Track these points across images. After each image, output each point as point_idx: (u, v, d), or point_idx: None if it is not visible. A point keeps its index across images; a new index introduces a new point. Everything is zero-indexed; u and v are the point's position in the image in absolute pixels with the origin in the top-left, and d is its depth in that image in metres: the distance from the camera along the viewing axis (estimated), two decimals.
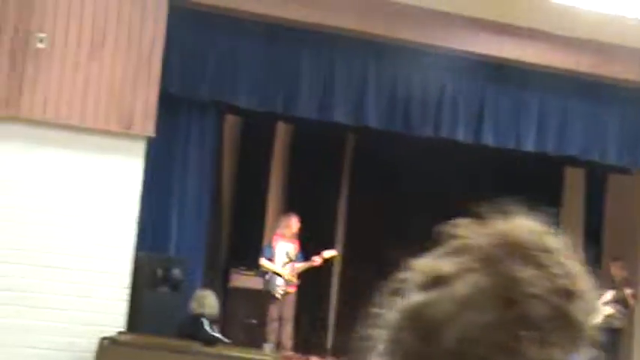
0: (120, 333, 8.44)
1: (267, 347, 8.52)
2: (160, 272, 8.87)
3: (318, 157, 13.72)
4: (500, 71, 10.35)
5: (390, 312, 1.19)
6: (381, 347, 1.19)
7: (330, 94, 9.90)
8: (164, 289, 8.94)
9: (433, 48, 9.99)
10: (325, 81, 9.92)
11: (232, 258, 12.28)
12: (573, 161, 12.91)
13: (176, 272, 8.91)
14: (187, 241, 9.70)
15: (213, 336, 8.49)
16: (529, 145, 10.49)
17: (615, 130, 10.72)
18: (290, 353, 11.11)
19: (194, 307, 8.81)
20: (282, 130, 13.79)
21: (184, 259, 9.42)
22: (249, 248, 13.05)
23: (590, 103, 10.69)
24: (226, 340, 8.70)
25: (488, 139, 10.34)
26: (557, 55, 10.16)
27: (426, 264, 1.30)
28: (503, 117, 10.39)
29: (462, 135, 10.25)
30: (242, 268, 12.24)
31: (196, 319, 8.66)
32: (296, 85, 9.82)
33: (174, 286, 8.92)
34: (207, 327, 8.56)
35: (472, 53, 10.06)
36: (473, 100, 10.34)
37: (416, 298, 1.17)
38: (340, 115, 9.96)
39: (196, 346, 8.07)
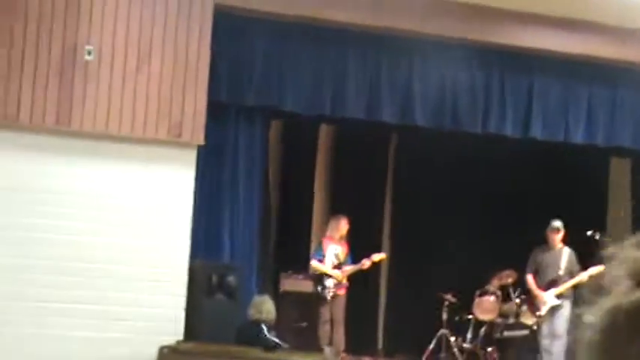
0: (179, 341, 8.45)
1: (328, 350, 8.50)
2: (215, 279, 8.88)
3: (362, 159, 13.69)
4: (546, 63, 10.27)
5: (596, 309, 1.13)
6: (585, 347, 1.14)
7: (377, 93, 9.87)
8: (220, 297, 8.96)
9: (478, 43, 9.94)
10: (372, 81, 9.90)
11: (281, 262, 12.26)
12: (619, 151, 12.84)
13: (231, 279, 8.92)
14: (240, 248, 9.72)
15: (273, 341, 8.48)
16: (578, 137, 10.40)
17: None
18: (344, 355, 11.15)
19: (252, 313, 8.82)
20: (324, 133, 13.78)
21: (238, 265, 9.44)
22: (297, 252, 13.08)
23: (638, 92, 10.60)
24: (285, 345, 8.69)
25: (537, 133, 10.26)
26: (604, 45, 10.08)
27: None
28: (552, 109, 10.31)
29: (510, 129, 10.18)
30: (291, 271, 12.23)
31: (255, 325, 8.66)
32: (342, 86, 9.82)
33: (230, 293, 8.93)
34: (266, 333, 8.55)
35: (519, 47, 10.01)
36: (520, 94, 10.27)
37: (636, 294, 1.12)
38: (387, 115, 9.95)
39: (256, 352, 8.07)
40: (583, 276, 11.36)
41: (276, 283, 11.73)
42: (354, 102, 9.83)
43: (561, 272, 11.45)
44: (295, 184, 13.18)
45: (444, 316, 12.81)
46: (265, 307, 8.81)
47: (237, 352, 8.12)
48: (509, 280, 12.88)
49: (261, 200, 10.28)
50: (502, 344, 12.34)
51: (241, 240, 9.74)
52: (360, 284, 12.05)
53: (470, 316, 12.90)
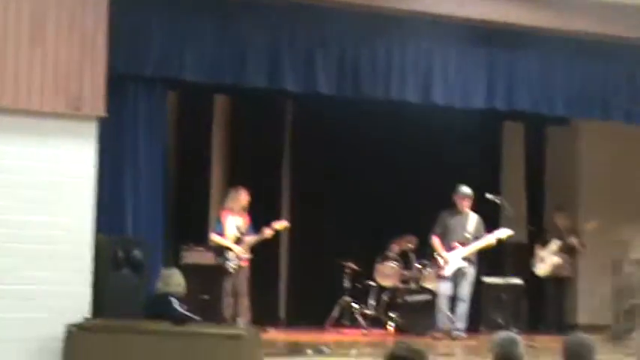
0: (86, 319, 8.25)
1: (241, 322, 8.42)
2: (120, 254, 8.69)
3: (258, 128, 13.60)
4: (445, 28, 10.32)
5: None
6: None
7: (279, 61, 9.79)
8: (126, 271, 8.78)
9: (379, 9, 9.92)
10: (273, 48, 9.81)
11: (181, 235, 12.09)
12: (511, 116, 13.04)
13: (136, 253, 8.76)
14: (144, 221, 9.54)
15: (184, 314, 8.34)
16: (478, 102, 10.50)
17: (561, 83, 10.78)
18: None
19: (160, 286, 8.67)
20: (220, 103, 13.64)
21: (143, 239, 9.25)
22: (196, 224, 12.95)
23: (537, 56, 10.74)
24: (197, 317, 8.57)
25: (438, 98, 10.32)
26: (502, 10, 10.18)
27: None
28: (452, 75, 10.37)
29: (411, 96, 10.21)
30: (192, 244, 12.09)
31: (163, 298, 8.52)
32: (243, 55, 9.69)
33: (136, 267, 8.76)
34: (176, 306, 8.42)
35: (418, 12, 10.03)
36: (421, 60, 10.30)
37: None
38: (289, 83, 9.86)
39: (166, 325, 7.92)
40: (490, 239, 11.51)
41: (176, 257, 11.54)
42: (255, 70, 9.71)
43: (468, 235, 11.61)
44: (192, 156, 12.99)
45: (346, 283, 12.88)
46: (174, 279, 8.68)
47: (146, 326, 7.97)
48: (410, 246, 13.03)
49: (164, 173, 10.09)
50: (404, 309, 12.45)
51: (144, 213, 9.55)
52: (260, 255, 11.97)
53: (371, 283, 12.99)
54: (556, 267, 13.05)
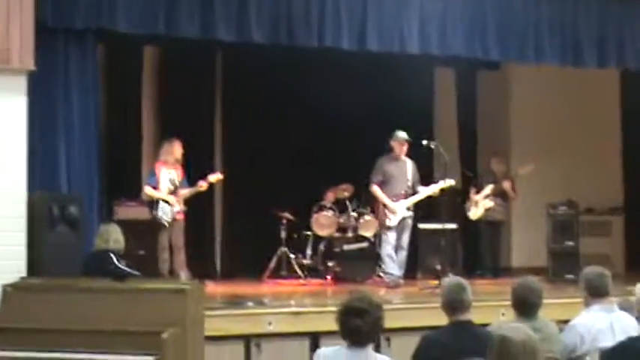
0: (22, 278, 8.04)
1: (183, 275, 8.29)
2: (56, 211, 8.47)
3: (188, 80, 13.42)
4: None
5: None
6: None
7: (211, 10, 9.58)
8: (62, 228, 8.57)
9: None
10: None
11: (113, 190, 11.86)
12: (444, 62, 13.03)
13: (72, 209, 8.55)
14: (78, 177, 9.33)
15: (124, 270, 8.18)
16: (413, 48, 10.42)
17: (495, 25, 10.75)
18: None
19: (98, 242, 8.48)
20: (149, 55, 13.40)
21: (78, 195, 9.04)
22: (128, 178, 12.76)
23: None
24: (137, 273, 8.42)
25: (373, 45, 10.21)
26: None
27: None
28: (386, 21, 10.27)
29: (346, 43, 10.09)
30: (124, 199, 11.91)
31: (102, 254, 8.33)
32: (175, 4, 9.45)
33: (72, 224, 8.56)
34: (115, 262, 8.25)
35: None
36: (355, 7, 10.17)
37: None
38: (222, 33, 9.67)
39: (106, 283, 7.73)
40: (434, 189, 11.47)
41: (109, 212, 11.35)
42: (187, 20, 9.50)
43: (409, 184, 11.52)
44: (122, 110, 12.72)
45: (283, 234, 12.83)
46: (112, 235, 8.48)
47: (85, 284, 7.75)
48: (346, 194, 12.98)
49: (97, 126, 9.86)
50: (342, 257, 12.43)
51: (79, 169, 9.34)
52: (195, 208, 11.83)
53: (308, 233, 12.95)
54: (489, 211, 13.12)
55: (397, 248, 11.46)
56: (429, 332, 6.71)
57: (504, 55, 11.00)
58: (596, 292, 6.45)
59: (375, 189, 11.54)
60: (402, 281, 11.47)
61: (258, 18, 9.74)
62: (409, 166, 11.59)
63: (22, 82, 8.45)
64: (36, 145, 8.74)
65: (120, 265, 8.29)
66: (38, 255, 8.37)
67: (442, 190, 11.69)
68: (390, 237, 11.45)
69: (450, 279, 6.36)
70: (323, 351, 5.24)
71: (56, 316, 7.50)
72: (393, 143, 11.61)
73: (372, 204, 12.07)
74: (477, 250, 13.52)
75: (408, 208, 11.45)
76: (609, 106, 14.24)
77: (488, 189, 13.05)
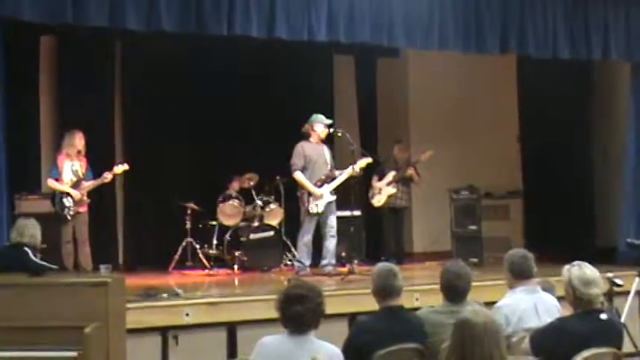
0: None
1: (103, 269, 8.14)
2: None
3: (87, 69, 13.18)
4: None
5: None
6: None
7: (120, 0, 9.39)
8: None
9: None
10: None
11: (13, 183, 11.53)
12: (342, 49, 13.08)
13: None
14: None
15: (41, 265, 8.00)
16: (321, 35, 10.42)
17: (401, 13, 10.82)
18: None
19: (14, 236, 8.27)
20: (45, 44, 13.11)
21: None
22: (27, 171, 12.48)
23: None
24: (54, 266, 8.24)
25: (282, 33, 10.18)
26: None
27: None
28: (295, 8, 10.25)
29: (255, 31, 10.03)
30: (25, 192, 11.64)
31: (18, 248, 8.13)
32: None
33: None
34: (32, 256, 8.05)
35: None
36: None
37: None
38: (132, 22, 9.47)
39: (22, 278, 7.54)
40: (354, 169, 11.42)
41: (10, 206, 11.05)
42: (96, 9, 9.26)
43: (329, 167, 11.42)
44: (19, 100, 12.38)
45: (188, 224, 12.73)
46: (28, 230, 8.29)
47: (2, 280, 7.55)
48: (251, 183, 12.95)
49: (6, 119, 9.59)
50: (248, 247, 12.40)
51: None
52: (95, 199, 11.64)
53: (214, 222, 12.88)
54: (392, 197, 13.24)
55: (326, 236, 11.30)
56: (361, 318, 6.77)
57: (410, 42, 11.05)
58: (519, 275, 6.58)
59: (299, 175, 11.31)
60: (310, 271, 11.32)
61: (168, 6, 9.56)
62: (326, 150, 11.50)
63: None
64: None
65: (36, 260, 8.10)
66: None
67: (361, 170, 11.69)
68: (312, 225, 11.31)
69: (381, 265, 6.39)
70: (266, 339, 5.22)
71: None
72: (314, 127, 11.45)
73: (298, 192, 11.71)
74: (381, 237, 13.63)
75: (332, 192, 11.34)
76: (507, 91, 14.53)
77: (391, 176, 13.16)
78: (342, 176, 11.38)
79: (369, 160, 11.71)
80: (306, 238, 11.34)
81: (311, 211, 11.22)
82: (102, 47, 13.17)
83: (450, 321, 5.58)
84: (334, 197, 11.39)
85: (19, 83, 11.85)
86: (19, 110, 11.77)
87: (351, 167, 11.38)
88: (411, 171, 13.17)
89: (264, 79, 13.62)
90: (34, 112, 12.85)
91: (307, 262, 11.29)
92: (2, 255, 8.35)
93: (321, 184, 11.30)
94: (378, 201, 13.20)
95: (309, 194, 11.25)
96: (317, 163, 11.36)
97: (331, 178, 11.37)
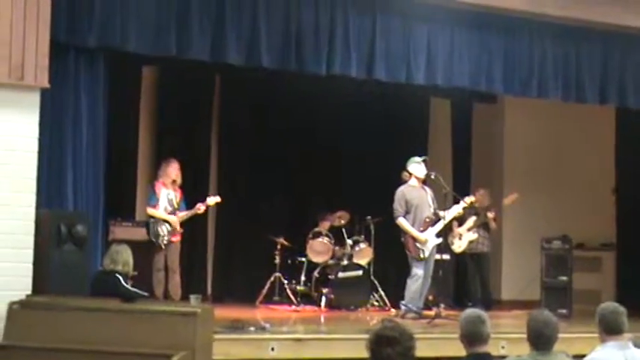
0: (28, 296, 7.98)
1: (193, 299, 8.25)
2: (63, 229, 8.39)
3: (186, 101, 13.44)
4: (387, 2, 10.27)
5: None
6: None
7: (222, 34, 9.58)
8: (69, 247, 8.45)
9: None
10: (216, 21, 9.59)
11: (109, 209, 11.77)
12: (439, 91, 13.09)
13: (80, 228, 8.43)
14: (84, 195, 9.25)
15: (133, 291, 8.14)
16: (419, 78, 10.47)
17: (500, 60, 10.83)
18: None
19: (107, 263, 8.44)
20: (147, 75, 13.39)
21: (85, 214, 8.97)
22: (123, 198, 12.70)
23: (476, 33, 10.76)
24: (145, 294, 8.38)
25: (381, 75, 10.26)
26: None
27: None
28: (394, 50, 10.33)
29: (354, 71, 10.13)
30: (120, 219, 11.85)
31: (110, 275, 8.29)
32: (187, 27, 9.45)
33: (79, 242, 8.45)
34: (123, 282, 8.21)
35: None
36: (363, 35, 10.22)
37: None
38: (233, 56, 9.66)
39: (114, 303, 7.70)
40: (458, 208, 11.37)
41: (105, 231, 11.27)
42: (198, 43, 9.48)
43: (432, 210, 11.32)
44: (120, 129, 12.64)
45: (277, 259, 12.82)
46: (122, 257, 8.45)
47: (94, 304, 7.71)
48: (342, 222, 13.00)
49: (105, 144, 9.81)
50: (336, 285, 12.42)
51: (85, 187, 9.26)
52: (188, 229, 11.81)
53: (302, 259, 12.95)
54: (473, 243, 13.15)
55: (423, 279, 11.18)
56: None
57: (508, 89, 11.04)
58: (610, 329, 6.46)
59: (402, 221, 11.13)
60: (420, 316, 11.08)
61: (269, 43, 9.74)
62: (428, 191, 11.39)
63: (35, 99, 8.37)
64: (44, 162, 8.65)
65: (128, 286, 8.25)
66: (44, 273, 8.26)
67: (464, 210, 11.63)
68: (420, 270, 11.12)
69: (469, 310, 6.34)
70: None
71: (63, 335, 7.47)
72: (410, 170, 11.36)
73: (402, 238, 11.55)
74: (466, 282, 13.52)
75: (437, 235, 11.25)
76: (604, 142, 14.35)
77: (472, 221, 13.08)
78: (448, 217, 11.24)
79: (472, 199, 11.65)
80: (416, 284, 11.12)
81: (420, 256, 11.06)
82: (202, 79, 13.38)
83: None
84: (439, 240, 11.26)
85: (121, 111, 12.12)
86: (119, 137, 12.03)
87: (454, 208, 11.29)
88: (490, 215, 13.06)
89: (361, 116, 13.67)
90: (134, 140, 13.09)
91: (415, 308, 11.08)
92: (96, 280, 8.51)
93: (425, 227, 11.15)
94: (458, 247, 13.10)
95: (414, 239, 11.10)
96: (419, 206, 11.21)
97: (435, 221, 11.21)
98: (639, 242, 13.56)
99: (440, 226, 11.21)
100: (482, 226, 13.16)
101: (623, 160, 14.24)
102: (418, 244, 11.07)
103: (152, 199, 11.39)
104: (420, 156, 11.47)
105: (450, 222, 12.27)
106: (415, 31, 10.48)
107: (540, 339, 6.15)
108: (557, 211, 14.03)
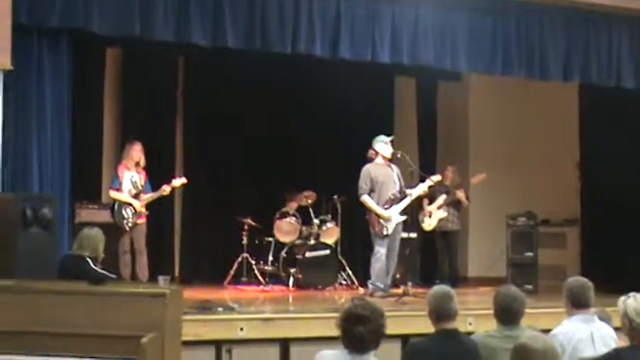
0: None
1: (162, 280, 8.21)
2: (29, 212, 8.32)
3: (150, 82, 13.36)
4: None
5: None
6: None
7: (187, 14, 9.55)
8: (35, 230, 8.40)
9: None
10: (181, 1, 9.54)
11: (75, 192, 11.69)
12: (404, 70, 13.12)
13: (46, 211, 8.38)
14: (50, 177, 9.21)
15: (101, 273, 8.10)
16: (384, 57, 10.49)
17: (465, 38, 10.87)
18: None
19: (75, 247, 8.40)
20: (111, 56, 13.31)
21: (52, 196, 8.91)
22: (89, 181, 12.63)
23: (441, 11, 10.78)
24: (114, 276, 8.35)
25: (346, 54, 10.26)
26: None
27: None
28: (358, 29, 10.33)
29: (319, 50, 10.13)
30: (86, 202, 11.79)
31: (78, 258, 8.25)
32: (151, 7, 9.40)
33: (46, 225, 8.40)
34: (92, 265, 8.17)
35: None
36: (328, 14, 10.22)
37: None
38: (198, 37, 9.63)
39: (83, 286, 7.65)
40: (423, 187, 11.37)
41: (71, 214, 11.21)
42: (163, 23, 9.44)
43: (397, 188, 11.29)
44: (84, 110, 12.54)
45: (245, 240, 12.81)
46: (91, 243, 8.41)
47: (62, 287, 7.64)
48: (309, 201, 13.01)
49: (70, 126, 9.75)
50: (304, 265, 12.44)
51: (50, 169, 9.21)
52: (154, 211, 11.77)
53: (270, 239, 12.95)
54: (443, 221, 13.22)
55: (388, 257, 11.12)
56: (415, 340, 6.77)
57: (473, 67, 11.08)
58: (578, 303, 6.53)
59: (366, 198, 11.10)
60: (388, 293, 11.03)
61: (234, 23, 9.72)
62: (394, 170, 11.38)
63: None
64: (9, 145, 8.59)
65: (97, 268, 8.22)
66: (11, 256, 8.20)
67: (430, 188, 11.66)
68: (383, 248, 11.07)
69: (437, 287, 6.38)
70: (325, 354, 5.24)
71: (32, 318, 7.40)
72: (376, 148, 11.29)
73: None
74: (436, 260, 13.59)
75: (402, 213, 11.23)
76: (567, 118, 14.41)
77: (441, 199, 13.14)
78: (413, 195, 11.21)
79: (438, 178, 11.67)
80: (380, 261, 11.09)
81: (382, 233, 11.04)
82: (166, 60, 13.31)
83: (505, 345, 5.59)
84: (404, 217, 11.22)
85: (84, 92, 12.02)
86: (83, 119, 11.92)
87: (419, 186, 11.29)
88: (460, 194, 13.14)
89: (324, 97, 13.63)
90: (98, 122, 13.02)
91: (382, 285, 11.07)
92: (64, 263, 8.46)
93: (389, 205, 11.15)
94: (428, 225, 13.17)
95: (378, 217, 11.08)
96: (384, 184, 11.16)
97: (400, 199, 11.20)
98: (603, 217, 13.63)
99: (405, 204, 11.19)
100: (453, 204, 13.24)
101: (587, 136, 14.31)
102: (382, 222, 11.04)
103: (115, 182, 11.33)
104: (387, 135, 11.44)
105: (420, 200, 12.36)
106: (380, 10, 10.50)
107: (507, 314, 6.22)
108: (522, 187, 14.14)
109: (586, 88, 13.10)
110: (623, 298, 5.84)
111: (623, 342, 5.99)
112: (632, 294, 5.83)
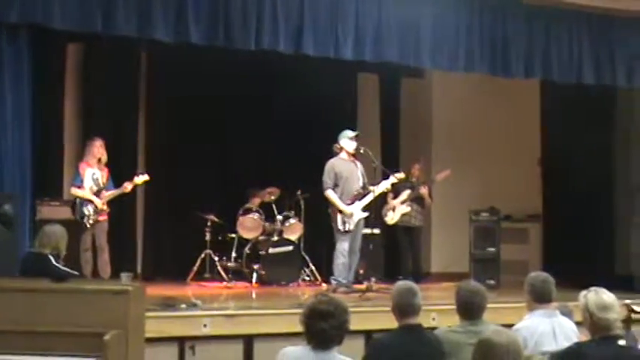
0: None
1: (124, 277, 8.19)
2: None
3: (112, 78, 13.28)
4: None
5: None
6: None
7: (149, 10, 9.48)
8: None
9: None
10: None
11: (36, 189, 11.60)
12: (367, 67, 13.12)
13: (7, 208, 8.33)
14: (10, 174, 9.12)
15: (64, 271, 8.06)
16: (347, 53, 10.49)
17: (428, 35, 10.90)
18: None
19: (37, 245, 8.33)
20: (72, 52, 13.22)
21: (14, 193, 8.84)
22: (50, 177, 12.55)
23: (404, 8, 10.80)
24: (76, 273, 8.30)
25: (309, 50, 10.26)
26: None
27: None
28: (322, 25, 10.33)
29: (282, 46, 10.12)
30: (47, 198, 11.70)
31: (40, 255, 8.19)
32: (113, 2, 9.33)
33: (7, 222, 8.34)
34: (54, 262, 8.12)
35: None
36: (292, 10, 10.21)
37: None
38: (160, 33, 9.57)
39: (45, 283, 7.59)
40: (386, 185, 11.39)
41: (32, 211, 11.12)
42: (125, 19, 9.37)
43: (361, 184, 11.27)
44: (45, 106, 12.44)
45: (208, 236, 12.78)
46: (51, 240, 8.34)
47: (24, 284, 7.57)
48: (272, 198, 13.00)
49: (31, 123, 9.67)
50: (267, 261, 12.43)
51: (11, 166, 9.13)
52: (116, 208, 11.71)
53: (233, 235, 12.93)
54: (406, 216, 13.25)
55: (350, 253, 11.11)
56: (378, 336, 6.78)
57: (436, 64, 11.12)
58: (540, 298, 6.59)
59: (330, 193, 11.08)
60: (351, 288, 11.09)
61: (197, 20, 9.67)
62: (358, 166, 11.37)
63: None
64: None
65: (59, 266, 8.16)
66: None
67: (393, 185, 11.67)
68: (345, 244, 11.06)
69: (401, 283, 6.41)
70: (288, 350, 5.24)
71: None
72: (341, 143, 11.28)
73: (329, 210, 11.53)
74: (398, 256, 13.62)
75: (364, 209, 11.22)
76: (529, 115, 14.52)
77: (405, 194, 13.18)
78: (375, 192, 11.19)
79: (402, 175, 11.67)
80: (342, 258, 11.06)
81: (343, 229, 11.02)
82: (127, 57, 13.24)
83: (468, 340, 5.63)
84: (366, 214, 11.20)
85: (45, 89, 11.94)
86: (43, 116, 11.84)
87: (382, 183, 11.30)
88: (424, 190, 13.18)
89: (288, 92, 13.61)
90: (59, 119, 12.92)
91: (345, 281, 11.08)
92: (25, 261, 8.40)
93: (352, 201, 11.14)
94: (391, 219, 13.19)
95: (340, 212, 11.07)
96: (348, 179, 11.16)
97: (363, 195, 11.19)
98: (564, 213, 13.75)
99: (367, 200, 11.19)
100: (416, 200, 13.26)
101: (548, 132, 14.44)
102: (344, 217, 11.04)
103: (77, 179, 11.25)
104: (352, 130, 11.46)
105: (385, 194, 12.36)
106: (343, 6, 10.49)
107: (469, 309, 6.26)
108: (484, 183, 14.20)
109: (547, 86, 13.19)
110: (584, 292, 5.89)
111: (584, 336, 6.05)
112: (592, 288, 5.87)
